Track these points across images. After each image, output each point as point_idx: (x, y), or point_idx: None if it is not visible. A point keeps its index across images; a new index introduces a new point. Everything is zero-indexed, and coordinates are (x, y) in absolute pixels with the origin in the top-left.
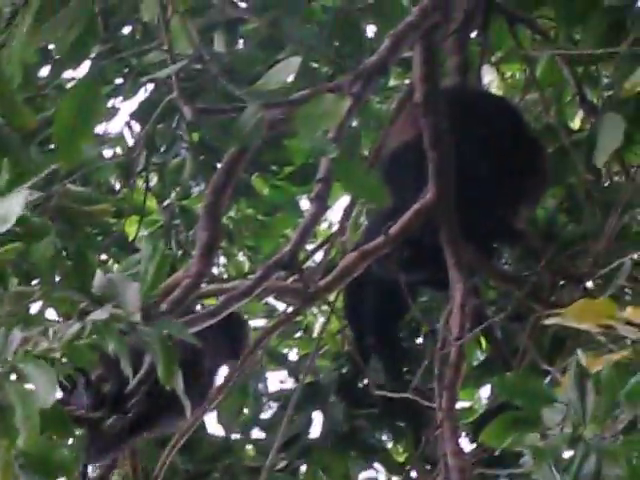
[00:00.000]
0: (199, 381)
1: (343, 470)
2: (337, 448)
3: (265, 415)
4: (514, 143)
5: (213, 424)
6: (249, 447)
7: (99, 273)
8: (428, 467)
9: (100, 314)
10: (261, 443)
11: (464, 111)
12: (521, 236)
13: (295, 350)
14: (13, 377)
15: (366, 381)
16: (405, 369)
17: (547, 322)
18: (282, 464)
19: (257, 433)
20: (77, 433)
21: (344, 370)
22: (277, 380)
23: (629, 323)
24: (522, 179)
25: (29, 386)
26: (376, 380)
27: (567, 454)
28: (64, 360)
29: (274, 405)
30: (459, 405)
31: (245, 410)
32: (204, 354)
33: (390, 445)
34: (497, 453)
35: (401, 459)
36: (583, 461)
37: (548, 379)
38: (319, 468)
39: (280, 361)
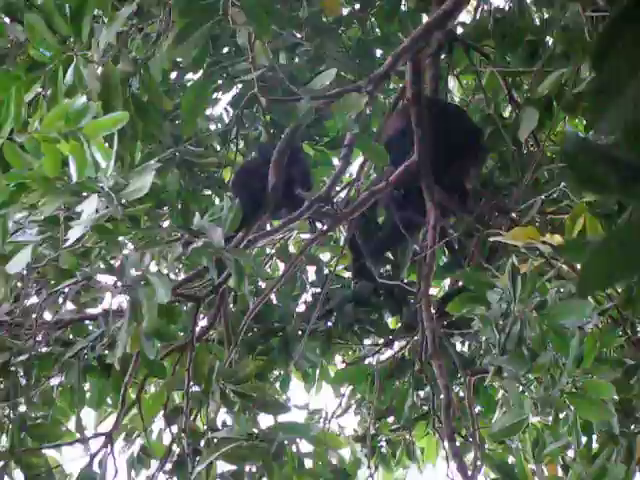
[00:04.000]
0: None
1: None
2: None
3: (307, 294)
4: (465, 129)
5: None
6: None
7: (197, 216)
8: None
9: (198, 243)
10: (303, 314)
11: (434, 111)
12: (467, 190)
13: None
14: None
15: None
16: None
17: (491, 239)
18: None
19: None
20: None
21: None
22: (313, 272)
23: (544, 242)
24: (470, 151)
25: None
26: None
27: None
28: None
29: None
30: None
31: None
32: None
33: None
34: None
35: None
36: (512, 326)
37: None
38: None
39: (315, 261)
